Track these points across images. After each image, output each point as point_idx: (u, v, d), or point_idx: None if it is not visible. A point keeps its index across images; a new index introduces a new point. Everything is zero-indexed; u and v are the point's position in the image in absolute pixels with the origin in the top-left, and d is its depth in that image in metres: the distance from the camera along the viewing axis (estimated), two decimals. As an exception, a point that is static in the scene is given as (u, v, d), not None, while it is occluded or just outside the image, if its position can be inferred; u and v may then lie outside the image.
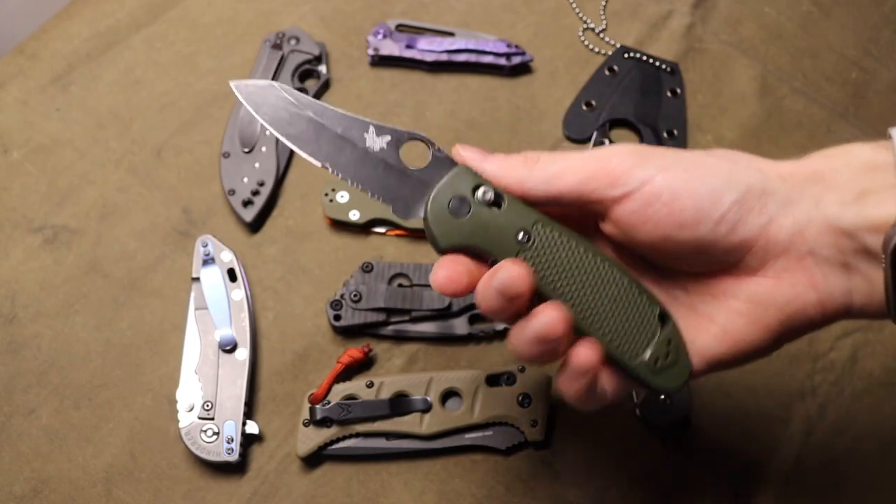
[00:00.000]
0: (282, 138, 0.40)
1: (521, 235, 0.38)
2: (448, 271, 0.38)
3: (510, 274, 0.36)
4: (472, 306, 0.60)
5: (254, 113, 0.40)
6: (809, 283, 0.37)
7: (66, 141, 0.66)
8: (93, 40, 0.70)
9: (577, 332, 0.38)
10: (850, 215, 0.36)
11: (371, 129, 0.40)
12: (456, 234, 0.38)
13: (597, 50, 0.73)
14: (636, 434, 0.58)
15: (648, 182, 0.36)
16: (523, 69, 0.71)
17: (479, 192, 0.38)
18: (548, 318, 0.36)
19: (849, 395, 0.60)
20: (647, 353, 0.38)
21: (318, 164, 0.40)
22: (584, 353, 0.37)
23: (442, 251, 0.38)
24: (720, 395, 0.59)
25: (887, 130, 0.37)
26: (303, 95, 0.41)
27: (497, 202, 0.38)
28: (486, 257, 0.39)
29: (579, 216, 0.41)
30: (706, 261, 0.38)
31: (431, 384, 0.56)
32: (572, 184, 0.37)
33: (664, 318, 0.39)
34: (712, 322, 0.38)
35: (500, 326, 0.59)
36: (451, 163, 0.39)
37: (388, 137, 0.40)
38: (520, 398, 0.56)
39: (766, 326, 0.37)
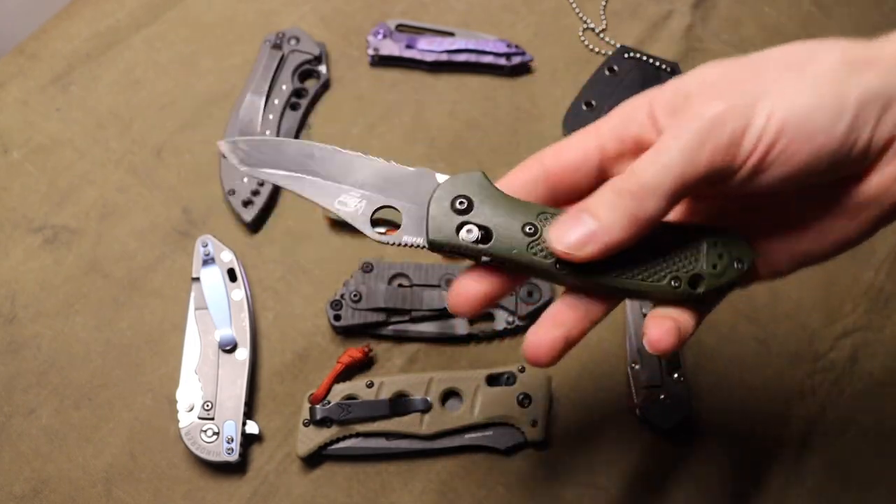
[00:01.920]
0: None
1: (528, 228, 0.36)
2: (467, 288, 0.37)
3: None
4: (472, 306, 0.59)
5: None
6: None
7: (66, 141, 0.66)
8: (93, 40, 0.70)
9: (635, 297, 0.38)
10: None
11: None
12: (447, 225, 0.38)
13: (597, 50, 0.73)
14: (636, 434, 0.58)
15: (763, 134, 0.33)
16: (523, 69, 0.71)
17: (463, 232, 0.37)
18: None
19: (849, 395, 0.60)
20: (704, 265, 0.37)
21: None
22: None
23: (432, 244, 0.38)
24: (720, 395, 0.59)
25: None
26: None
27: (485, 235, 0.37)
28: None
29: None
30: (835, 173, 0.35)
31: (431, 384, 0.56)
32: (691, 187, 0.34)
33: (701, 231, 0.37)
34: (811, 229, 0.37)
35: (500, 326, 0.59)
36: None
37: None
38: (520, 398, 0.56)
39: (867, 221, 0.36)
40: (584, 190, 0.37)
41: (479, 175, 0.38)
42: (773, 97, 0.33)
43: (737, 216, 0.39)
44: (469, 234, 0.37)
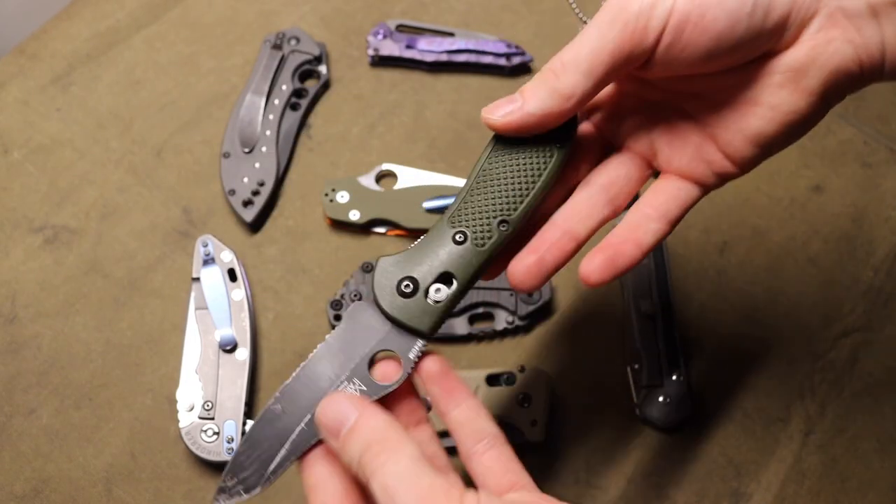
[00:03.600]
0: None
1: (458, 237, 0.40)
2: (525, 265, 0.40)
3: None
4: (472, 306, 0.60)
5: None
6: (844, 38, 0.37)
7: (66, 141, 0.66)
8: (93, 40, 0.70)
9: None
10: None
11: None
12: (427, 312, 0.40)
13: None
14: (636, 434, 0.58)
15: (672, 12, 0.36)
16: (523, 69, 0.71)
17: (403, 287, 0.40)
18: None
19: (849, 395, 0.60)
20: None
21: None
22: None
23: (427, 336, 0.40)
24: (720, 394, 0.59)
25: None
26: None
27: (413, 284, 0.40)
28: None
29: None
30: (751, 53, 0.38)
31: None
32: (608, 64, 0.37)
33: None
34: (757, 104, 0.38)
35: (500, 326, 0.60)
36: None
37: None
38: (520, 398, 0.56)
39: (810, 91, 0.38)
40: None
41: (385, 261, 0.40)
42: None
43: (683, 102, 0.41)
44: (439, 293, 0.40)
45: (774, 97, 0.38)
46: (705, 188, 0.42)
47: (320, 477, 0.38)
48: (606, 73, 0.37)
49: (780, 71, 0.38)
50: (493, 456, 0.41)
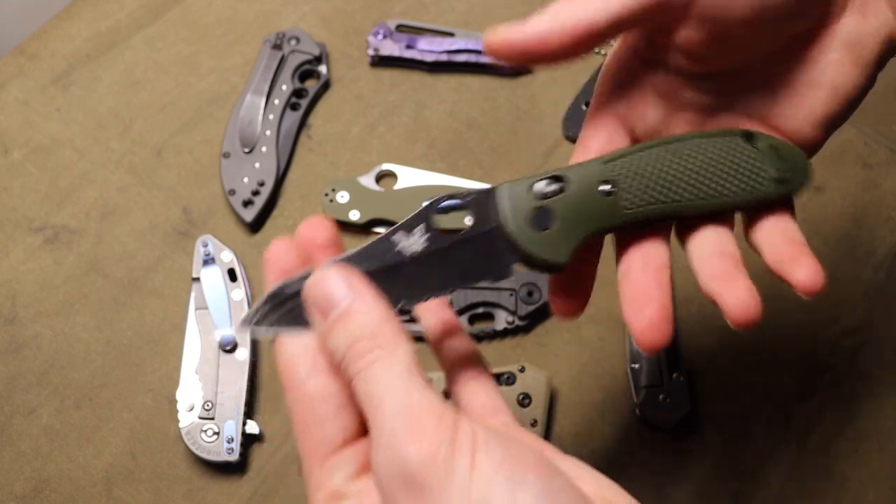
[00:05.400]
0: None
1: (605, 187, 0.35)
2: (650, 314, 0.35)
3: None
4: (472, 306, 0.60)
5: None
6: (889, 6, 0.36)
7: (66, 141, 0.66)
8: (93, 40, 0.70)
9: (701, 215, 0.37)
10: None
11: (399, 234, 0.34)
12: (562, 243, 0.34)
13: (597, 50, 0.73)
14: (636, 434, 0.58)
15: None
16: (523, 69, 0.71)
17: (539, 186, 0.35)
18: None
19: (849, 395, 0.60)
20: (770, 171, 0.37)
21: (396, 308, 0.34)
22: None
23: (563, 267, 0.35)
24: (720, 395, 0.59)
25: None
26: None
27: (560, 179, 0.35)
28: (601, 237, 0.36)
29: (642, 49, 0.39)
30: (801, 14, 0.36)
31: (431, 384, 0.56)
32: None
33: (749, 136, 0.37)
34: (819, 86, 0.37)
35: (500, 326, 0.60)
36: (488, 192, 0.35)
37: (420, 227, 0.35)
38: (520, 398, 0.56)
39: (867, 63, 0.36)
40: None
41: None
42: None
43: (738, 100, 0.39)
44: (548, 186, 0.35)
45: (835, 75, 0.37)
46: None
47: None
48: (634, 15, 0.34)
49: (835, 47, 0.36)
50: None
